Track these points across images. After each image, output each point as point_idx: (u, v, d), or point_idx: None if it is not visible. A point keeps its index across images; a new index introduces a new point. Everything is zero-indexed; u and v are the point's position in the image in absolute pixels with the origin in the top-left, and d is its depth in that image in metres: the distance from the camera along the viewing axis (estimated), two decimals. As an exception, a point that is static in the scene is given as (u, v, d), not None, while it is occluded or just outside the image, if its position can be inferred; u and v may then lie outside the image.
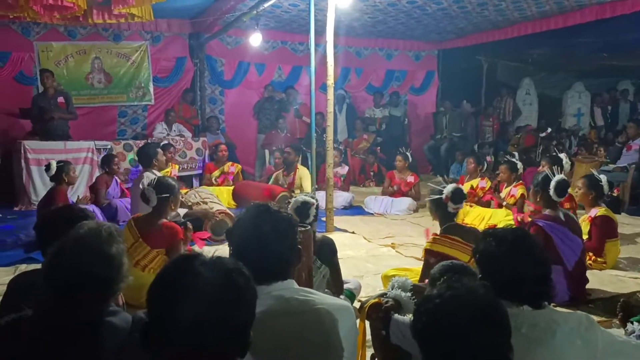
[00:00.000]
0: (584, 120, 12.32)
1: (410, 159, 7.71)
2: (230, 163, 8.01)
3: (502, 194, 6.29)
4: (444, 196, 3.54)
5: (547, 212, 3.94)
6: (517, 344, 1.31)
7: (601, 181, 4.70)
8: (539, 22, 8.42)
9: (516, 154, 8.12)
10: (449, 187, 3.57)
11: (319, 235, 3.28)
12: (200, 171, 8.35)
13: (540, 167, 6.11)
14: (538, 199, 4.04)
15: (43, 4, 6.39)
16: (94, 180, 6.72)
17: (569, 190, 5.10)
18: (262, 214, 1.70)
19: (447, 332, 1.25)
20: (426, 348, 1.30)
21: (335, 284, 3.17)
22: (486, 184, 6.75)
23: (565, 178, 4.07)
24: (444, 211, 3.57)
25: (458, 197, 3.56)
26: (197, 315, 1.15)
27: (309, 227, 2.45)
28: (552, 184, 3.89)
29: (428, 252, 3.44)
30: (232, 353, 1.22)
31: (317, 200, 3.22)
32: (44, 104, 7.33)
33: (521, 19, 8.59)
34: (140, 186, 5.16)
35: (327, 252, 3.11)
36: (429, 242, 3.51)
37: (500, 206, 6.17)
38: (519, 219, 5.41)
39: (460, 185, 3.76)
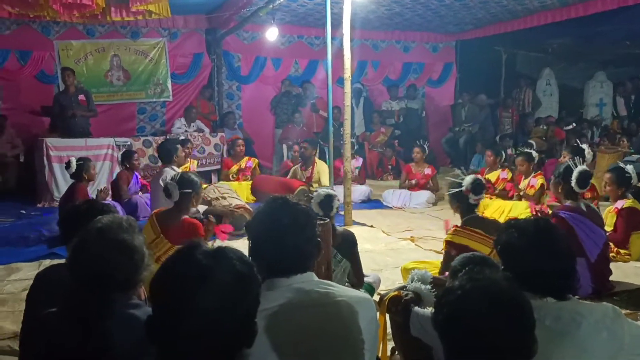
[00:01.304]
0: (606, 110, 12.07)
1: (427, 151, 7.65)
2: (247, 158, 8.01)
3: (521, 185, 6.21)
4: (463, 188, 3.50)
5: (568, 202, 3.87)
6: (541, 337, 1.29)
7: (629, 173, 4.59)
8: (559, 11, 8.26)
9: (534, 143, 7.98)
10: (468, 179, 3.53)
11: (339, 228, 3.29)
12: (218, 166, 8.40)
13: (562, 158, 6.01)
14: (560, 190, 3.96)
15: (62, 3, 6.48)
16: (114, 176, 6.80)
17: (592, 181, 5.03)
18: (280, 206, 1.70)
19: (469, 324, 1.23)
20: (447, 340, 1.29)
21: (357, 276, 3.17)
22: (507, 175, 6.70)
23: (587, 169, 3.99)
24: (464, 203, 3.53)
25: (478, 188, 3.51)
26: (201, 305, 1.15)
27: (328, 220, 2.45)
28: (575, 174, 3.82)
29: (449, 244, 3.42)
30: (239, 342, 1.22)
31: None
32: (65, 102, 7.44)
33: (541, 8, 8.43)
34: (161, 182, 5.22)
35: (348, 245, 3.12)
36: (449, 233, 3.49)
37: (520, 198, 6.10)
38: (537, 210, 5.33)
39: (479, 176, 3.72)
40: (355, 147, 8.43)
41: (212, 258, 1.23)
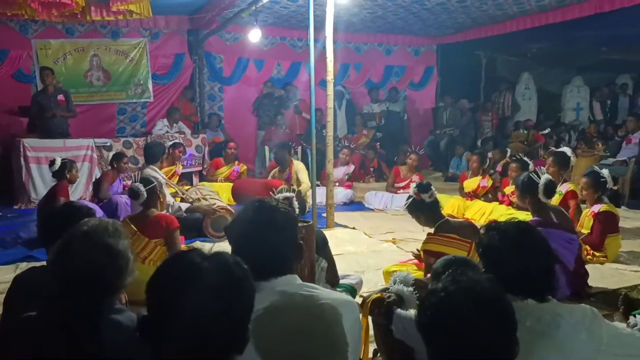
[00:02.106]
0: (583, 114, 12.30)
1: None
2: (237, 162, 8.05)
3: (507, 190, 6.24)
4: (413, 194, 3.50)
5: (537, 217, 3.81)
6: (522, 337, 1.31)
7: (604, 177, 4.66)
8: (538, 16, 8.40)
9: (520, 155, 8.09)
10: (412, 185, 3.56)
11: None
12: (200, 168, 8.35)
13: (547, 166, 6.06)
14: (527, 202, 3.92)
15: (41, 1, 6.38)
16: (93, 178, 6.72)
17: (572, 187, 5.11)
18: (259, 208, 1.70)
19: (453, 325, 1.25)
20: (431, 341, 1.30)
21: (331, 273, 3.16)
22: (487, 182, 6.73)
23: (552, 179, 3.95)
24: (425, 210, 3.51)
25: (424, 186, 3.52)
26: (196, 308, 1.15)
27: (312, 222, 2.46)
28: (541, 186, 3.79)
29: (425, 252, 3.39)
30: (231, 347, 1.22)
31: (294, 193, 3.31)
32: (44, 102, 7.31)
33: (520, 13, 8.57)
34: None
35: (321, 243, 3.12)
36: (423, 242, 3.44)
37: (510, 203, 6.11)
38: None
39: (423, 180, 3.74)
40: (342, 149, 8.45)
41: (209, 261, 1.23)
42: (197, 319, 1.15)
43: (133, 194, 3.93)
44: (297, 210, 3.13)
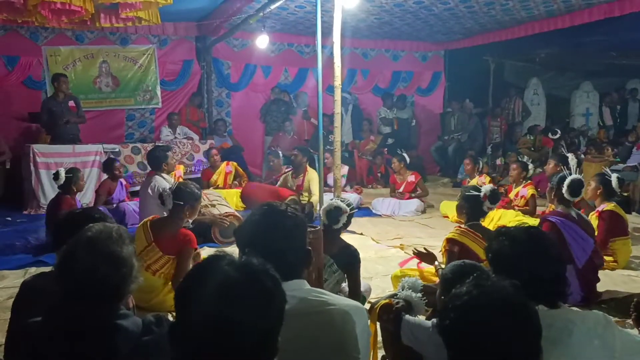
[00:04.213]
0: (593, 120, 12.21)
1: (408, 159, 7.66)
2: (225, 163, 7.85)
3: (511, 195, 6.25)
4: (482, 194, 3.60)
5: (559, 208, 3.99)
6: (534, 345, 1.28)
7: (608, 175, 4.77)
8: (547, 22, 8.36)
9: (525, 157, 8.13)
10: (488, 187, 3.68)
11: (344, 242, 3.27)
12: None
13: (547, 166, 6.12)
14: (552, 197, 4.09)
15: (51, 9, 6.42)
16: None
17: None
18: (268, 213, 1.69)
19: (476, 328, 1.22)
20: (453, 346, 1.27)
21: (352, 293, 3.12)
22: (485, 179, 6.82)
23: (581, 178, 4.08)
24: (475, 209, 3.63)
25: (495, 197, 3.67)
26: (220, 317, 1.11)
27: (319, 227, 2.44)
28: (566, 182, 3.94)
29: (452, 241, 3.49)
30: (259, 358, 1.17)
31: (351, 208, 3.24)
32: (55, 108, 7.36)
33: (528, 19, 8.54)
34: (149, 190, 5.18)
35: (347, 259, 3.10)
36: (454, 231, 3.56)
37: (512, 207, 6.14)
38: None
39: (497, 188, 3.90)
40: (345, 155, 8.45)
41: (237, 269, 1.19)
42: (219, 328, 1.11)
43: (161, 200, 3.84)
44: (341, 225, 3.18)
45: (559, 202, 4.02)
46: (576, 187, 3.96)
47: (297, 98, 9.99)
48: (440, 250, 3.65)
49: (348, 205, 3.26)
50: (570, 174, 4.02)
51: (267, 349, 1.18)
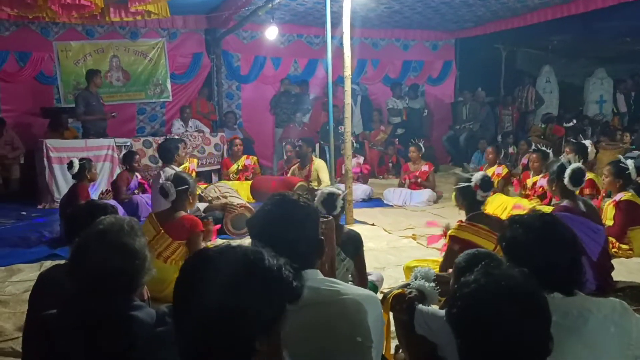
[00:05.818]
0: (607, 107, 12.04)
1: (424, 149, 7.64)
2: (246, 156, 7.95)
3: (529, 183, 6.15)
4: (472, 183, 3.49)
5: (565, 202, 3.79)
6: (549, 333, 1.27)
7: (628, 167, 4.57)
8: (559, 8, 8.24)
9: (540, 145, 8.01)
10: (478, 175, 3.53)
11: (345, 228, 3.26)
12: (218, 166, 8.38)
13: (564, 154, 5.99)
14: (554, 188, 3.93)
15: (61, 4, 6.46)
16: (114, 177, 6.78)
17: (591, 176, 5.03)
18: (280, 203, 1.68)
19: (485, 317, 1.21)
20: (462, 334, 1.26)
21: (360, 278, 3.13)
22: (502, 170, 6.73)
23: (582, 167, 3.93)
24: (471, 199, 3.53)
25: (487, 184, 3.51)
26: (213, 306, 1.09)
27: (332, 217, 2.43)
28: (567, 172, 3.76)
29: (453, 238, 3.40)
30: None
31: (343, 192, 3.20)
32: (94, 102, 7.53)
33: (540, 5, 8.42)
34: (161, 181, 5.21)
35: (353, 245, 3.09)
36: (454, 228, 3.47)
37: (526, 195, 6.06)
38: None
39: (487, 173, 3.71)
40: (355, 146, 8.43)
41: (227, 256, 1.17)
42: (214, 318, 1.09)
43: (163, 192, 3.92)
44: (339, 209, 3.08)
45: (562, 194, 3.84)
46: (578, 175, 3.78)
47: (309, 89, 9.93)
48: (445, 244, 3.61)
49: (338, 188, 3.25)
50: (570, 163, 3.85)
51: (270, 336, 1.15)
